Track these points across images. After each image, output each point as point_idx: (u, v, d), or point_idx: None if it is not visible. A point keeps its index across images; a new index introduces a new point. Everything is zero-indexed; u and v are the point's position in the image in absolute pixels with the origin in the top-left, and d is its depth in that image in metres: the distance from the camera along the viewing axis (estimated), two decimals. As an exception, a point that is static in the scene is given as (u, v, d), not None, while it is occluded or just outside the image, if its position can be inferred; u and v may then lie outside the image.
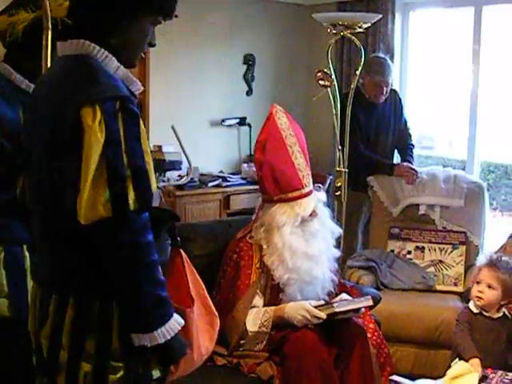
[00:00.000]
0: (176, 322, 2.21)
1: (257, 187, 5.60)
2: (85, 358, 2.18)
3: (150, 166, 2.20)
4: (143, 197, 2.12)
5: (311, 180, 3.71)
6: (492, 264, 3.77)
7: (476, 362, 3.52)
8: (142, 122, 2.20)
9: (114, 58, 2.21)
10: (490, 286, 3.70)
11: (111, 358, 2.18)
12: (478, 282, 3.77)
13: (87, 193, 2.03)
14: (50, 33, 2.82)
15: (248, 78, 6.46)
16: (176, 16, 2.37)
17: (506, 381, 3.41)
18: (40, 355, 2.29)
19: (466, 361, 3.53)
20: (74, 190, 2.05)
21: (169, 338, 2.16)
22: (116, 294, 2.14)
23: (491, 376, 3.44)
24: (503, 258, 3.89)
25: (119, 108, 2.10)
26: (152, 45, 2.37)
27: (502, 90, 6.31)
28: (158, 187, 4.74)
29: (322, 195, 3.79)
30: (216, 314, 2.53)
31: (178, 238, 2.45)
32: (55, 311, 2.21)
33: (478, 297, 3.73)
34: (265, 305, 3.61)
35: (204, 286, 2.52)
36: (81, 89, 2.10)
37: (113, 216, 2.05)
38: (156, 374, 2.28)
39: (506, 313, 3.78)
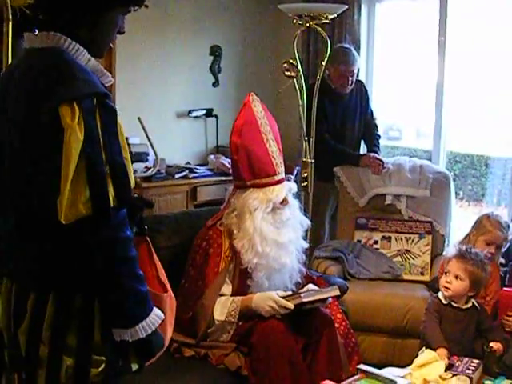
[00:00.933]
0: (156, 316, 2.20)
1: (223, 178, 5.64)
2: (66, 352, 2.17)
3: (128, 162, 2.19)
4: (122, 193, 2.10)
5: (283, 169, 3.74)
6: (461, 255, 3.79)
7: (443, 351, 3.54)
8: (118, 117, 2.18)
9: (84, 51, 2.19)
10: (457, 277, 3.71)
11: (93, 351, 2.18)
12: (446, 273, 3.79)
13: (67, 193, 2.01)
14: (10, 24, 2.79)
15: (215, 70, 6.44)
16: (146, 6, 2.35)
17: (472, 367, 3.43)
18: (15, 351, 2.27)
19: (434, 350, 3.55)
20: (53, 190, 2.03)
21: (150, 332, 2.16)
22: (97, 289, 2.13)
23: (457, 364, 3.46)
24: (472, 250, 3.91)
25: (96, 105, 2.08)
26: (121, 32, 2.35)
27: (468, 80, 6.34)
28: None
29: (293, 185, 3.83)
30: (174, 298, 2.52)
31: (146, 226, 2.44)
32: (34, 307, 2.19)
33: (445, 287, 3.74)
34: (233, 293, 3.62)
35: (163, 271, 2.51)
36: (57, 86, 2.06)
37: (93, 214, 2.04)
38: (134, 366, 2.27)
39: (475, 304, 3.81)
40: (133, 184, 2.20)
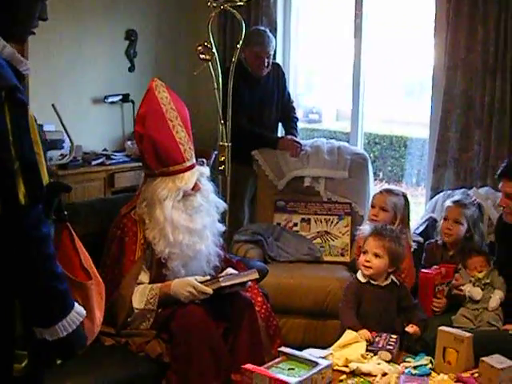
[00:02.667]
0: (77, 313, 2.15)
1: (141, 164, 5.56)
2: None
3: (41, 157, 2.12)
4: (34, 190, 2.03)
5: (193, 154, 3.70)
6: (377, 233, 3.83)
7: (364, 331, 3.58)
8: (30, 110, 2.10)
9: None
10: (376, 255, 3.75)
11: (16, 346, 2.12)
12: (364, 252, 3.82)
13: None
14: None
15: (130, 54, 6.35)
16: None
17: (392, 342, 3.47)
18: None
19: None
20: None
21: (70, 331, 2.11)
22: (14, 289, 2.07)
23: (377, 339, 3.50)
24: (388, 227, 3.96)
25: (5, 98, 1.99)
26: (43, 19, 2.27)
27: (385, 62, 6.40)
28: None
29: (205, 170, 3.79)
30: (102, 282, 2.47)
31: (65, 212, 2.38)
32: None
33: (365, 266, 3.77)
34: (151, 281, 3.60)
35: (88, 257, 2.46)
36: None
37: (3, 213, 1.97)
38: (58, 360, 2.22)
39: (394, 279, 3.85)
40: (46, 180, 2.13)
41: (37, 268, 2.04)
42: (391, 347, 3.45)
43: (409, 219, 4.54)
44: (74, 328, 2.13)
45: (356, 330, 3.56)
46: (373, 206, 4.50)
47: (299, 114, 6.14)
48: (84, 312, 2.19)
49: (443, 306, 4.07)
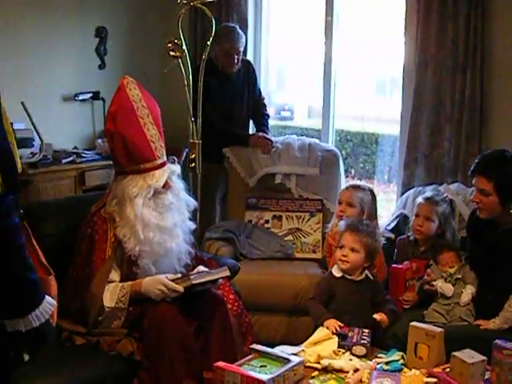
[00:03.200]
0: (48, 303, 2.14)
1: (112, 162, 5.53)
2: None
3: (14, 146, 2.11)
4: (9, 179, 2.02)
5: (164, 152, 3.68)
6: (354, 228, 3.85)
7: (331, 321, 3.60)
8: (2, 101, 2.09)
9: None
10: (353, 250, 3.78)
11: None
12: (341, 247, 3.83)
13: None
14: None
15: (100, 52, 6.31)
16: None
17: (365, 336, 3.49)
18: None
19: (322, 324, 3.60)
20: None
21: (43, 320, 2.11)
22: None
23: (350, 334, 3.51)
24: (364, 221, 3.98)
25: None
26: None
27: (357, 59, 6.41)
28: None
29: (175, 167, 3.77)
30: (53, 274, 2.46)
31: (21, 211, 2.36)
32: None
33: (342, 260, 3.79)
34: (122, 279, 3.58)
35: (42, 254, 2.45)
36: None
37: None
38: (26, 357, 2.21)
39: (368, 274, 3.87)
40: (19, 169, 2.12)
41: (10, 257, 2.03)
42: (365, 341, 3.46)
43: (376, 214, 4.56)
44: (47, 318, 2.13)
45: (324, 320, 3.59)
46: (340, 202, 4.51)
47: (271, 111, 6.13)
48: (54, 302, 2.19)
49: (413, 300, 4.10)
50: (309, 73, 6.77)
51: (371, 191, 4.56)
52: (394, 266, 4.17)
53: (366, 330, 3.55)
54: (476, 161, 3.95)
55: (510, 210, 3.84)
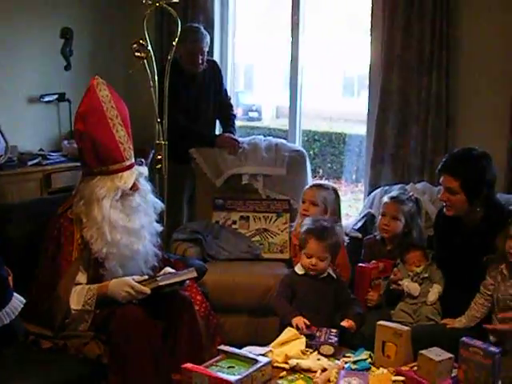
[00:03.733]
0: (18, 300, 2.12)
1: (78, 164, 5.46)
2: None
3: None
4: None
5: (133, 153, 3.68)
6: (318, 236, 3.83)
7: (299, 318, 3.60)
8: None
9: None
10: (321, 259, 3.80)
11: None
12: (309, 257, 3.82)
13: None
14: None
15: (66, 53, 6.24)
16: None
17: (332, 335, 3.50)
18: None
19: (289, 324, 3.60)
20: None
21: (13, 317, 2.09)
22: None
23: (318, 334, 3.52)
24: (323, 224, 3.96)
25: None
26: None
27: (324, 60, 6.43)
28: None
29: (143, 169, 3.78)
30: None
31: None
32: None
33: (312, 268, 3.81)
34: (88, 281, 3.56)
35: None
36: None
37: None
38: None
39: (331, 272, 3.88)
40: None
41: None
42: (333, 341, 3.47)
43: (340, 213, 4.57)
44: (17, 314, 2.11)
45: (292, 317, 3.61)
46: (303, 201, 4.52)
47: (239, 112, 6.13)
48: (23, 299, 2.17)
49: (377, 299, 4.11)
50: (276, 73, 6.78)
51: (334, 190, 4.58)
52: (360, 264, 4.18)
53: (334, 330, 3.56)
54: (443, 159, 3.97)
55: (477, 209, 3.87)
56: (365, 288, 4.12)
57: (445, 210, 3.98)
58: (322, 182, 4.88)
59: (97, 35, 6.51)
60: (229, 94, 5.93)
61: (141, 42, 4.69)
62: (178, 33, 4.87)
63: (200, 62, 5.44)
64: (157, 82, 4.86)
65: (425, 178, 5.06)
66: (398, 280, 4.02)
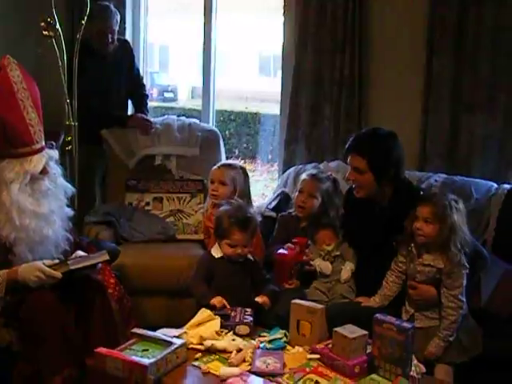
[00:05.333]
0: None
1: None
2: None
3: None
4: None
5: (43, 137, 3.59)
6: (241, 226, 3.80)
7: (218, 298, 3.59)
8: None
9: None
10: (244, 246, 3.80)
11: None
12: (233, 246, 3.80)
13: None
14: None
15: (-26, 32, 6.10)
16: None
17: (247, 315, 3.50)
18: None
19: (207, 305, 3.58)
20: None
21: None
22: None
23: (233, 314, 3.51)
24: (242, 209, 3.93)
25: None
26: None
27: (239, 40, 6.42)
28: None
29: (53, 153, 3.69)
30: None
31: None
32: None
33: (237, 256, 3.80)
34: (-4, 268, 3.48)
35: None
36: None
37: None
38: None
39: (249, 256, 3.87)
40: None
41: None
42: (248, 320, 3.47)
43: (249, 192, 4.55)
44: None
45: (210, 298, 3.60)
46: (212, 182, 4.51)
47: (154, 92, 6.06)
48: None
49: (295, 285, 4.10)
50: (192, 54, 6.74)
51: (243, 169, 4.57)
52: (280, 252, 4.09)
53: (249, 310, 3.56)
54: (351, 139, 3.99)
55: (386, 189, 3.91)
56: (285, 276, 4.07)
57: (354, 192, 4.00)
58: (230, 161, 4.85)
59: (6, 16, 6.34)
60: (141, 74, 5.86)
61: (49, 20, 4.59)
62: (88, 11, 4.78)
63: (110, 40, 5.35)
64: (66, 62, 4.76)
65: (338, 157, 5.09)
66: (310, 260, 4.04)
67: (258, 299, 3.69)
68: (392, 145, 3.89)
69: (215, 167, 4.56)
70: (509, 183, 4.60)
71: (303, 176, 4.42)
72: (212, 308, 3.57)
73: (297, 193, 4.36)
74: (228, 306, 3.59)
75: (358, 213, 4.06)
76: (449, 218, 3.51)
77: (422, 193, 3.95)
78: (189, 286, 3.89)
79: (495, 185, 4.55)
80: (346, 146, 3.98)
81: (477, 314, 3.71)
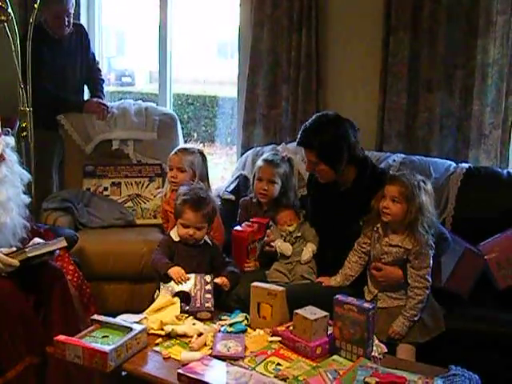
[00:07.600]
0: None
1: None
2: None
3: None
4: None
5: (-1, 123, 3.54)
6: (196, 208, 3.77)
7: (176, 268, 3.61)
8: None
9: None
10: (198, 228, 3.77)
11: None
12: (186, 226, 3.78)
13: None
14: None
15: None
16: None
17: (208, 300, 3.49)
18: None
19: (166, 275, 3.61)
20: None
21: None
22: None
23: (193, 294, 3.51)
24: (200, 194, 3.88)
25: None
26: None
27: (196, 23, 6.38)
28: None
29: (9, 139, 3.66)
30: None
31: None
32: None
33: (189, 238, 3.77)
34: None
35: None
36: None
37: None
38: None
39: (207, 239, 3.85)
40: None
41: None
42: (209, 305, 3.47)
43: (207, 175, 4.50)
44: None
45: (169, 268, 3.62)
46: (170, 168, 4.44)
47: (111, 77, 6.00)
48: None
49: (254, 265, 4.09)
50: (149, 38, 6.69)
51: (201, 153, 4.51)
52: (236, 229, 4.10)
53: (208, 277, 3.59)
54: (300, 132, 3.98)
55: (347, 171, 3.91)
56: (243, 253, 4.06)
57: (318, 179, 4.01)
58: (188, 145, 4.77)
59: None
60: (97, 58, 5.80)
61: (0, 4, 4.51)
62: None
63: (66, 24, 5.28)
64: (19, 47, 4.69)
65: (297, 138, 5.08)
66: (271, 241, 4.04)
67: (217, 280, 3.68)
68: (338, 131, 3.86)
69: (173, 153, 4.49)
70: (467, 162, 4.63)
71: (259, 163, 4.34)
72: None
73: (256, 180, 4.33)
74: (186, 276, 3.58)
75: (322, 195, 4.06)
76: (417, 198, 3.53)
77: (391, 173, 3.96)
78: (151, 261, 3.85)
79: (454, 164, 4.57)
80: (297, 140, 3.98)
81: (437, 293, 3.74)
